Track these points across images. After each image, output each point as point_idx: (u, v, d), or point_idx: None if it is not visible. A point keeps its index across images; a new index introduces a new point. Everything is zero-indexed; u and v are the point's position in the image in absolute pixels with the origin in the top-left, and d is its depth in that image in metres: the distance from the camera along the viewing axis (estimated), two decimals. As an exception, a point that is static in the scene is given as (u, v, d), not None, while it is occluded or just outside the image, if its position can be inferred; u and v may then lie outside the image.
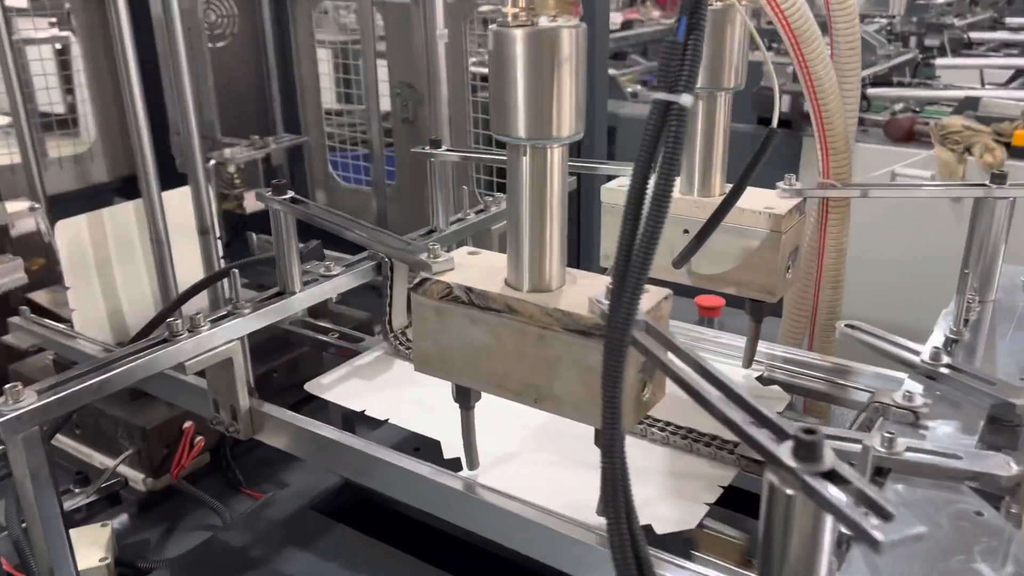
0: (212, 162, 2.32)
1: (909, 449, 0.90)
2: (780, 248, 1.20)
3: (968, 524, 0.83)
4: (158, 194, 1.75)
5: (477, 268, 1.03)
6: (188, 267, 1.84)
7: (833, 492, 0.59)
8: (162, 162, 1.77)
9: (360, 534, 1.35)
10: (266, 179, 2.41)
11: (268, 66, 2.92)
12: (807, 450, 0.62)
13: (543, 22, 0.87)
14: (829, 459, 0.61)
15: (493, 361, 0.99)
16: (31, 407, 1.02)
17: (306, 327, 1.77)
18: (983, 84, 4.17)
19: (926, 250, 3.13)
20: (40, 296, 1.95)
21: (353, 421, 1.54)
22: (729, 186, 1.28)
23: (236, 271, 1.26)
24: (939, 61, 4.40)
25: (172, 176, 1.84)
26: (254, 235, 2.53)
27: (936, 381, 1.08)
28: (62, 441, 1.68)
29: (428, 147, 1.60)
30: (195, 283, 1.53)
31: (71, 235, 1.75)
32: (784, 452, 0.63)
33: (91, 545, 1.39)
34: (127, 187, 2.83)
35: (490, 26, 0.90)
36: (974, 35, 4.86)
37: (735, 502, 1.15)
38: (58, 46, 3.00)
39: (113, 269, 1.84)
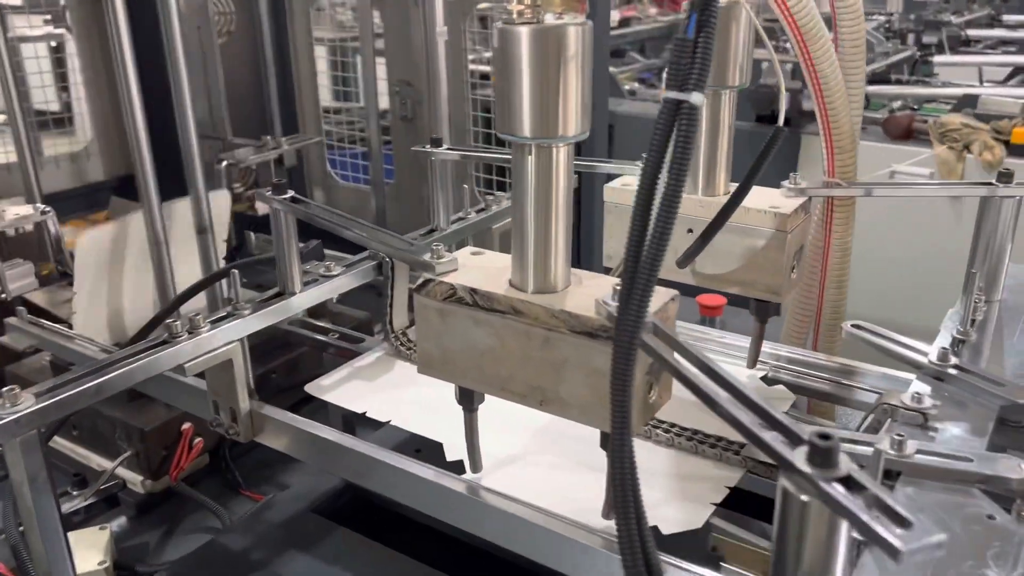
0: (224, 163, 2.28)
1: (919, 452, 0.89)
2: (786, 248, 1.19)
3: (980, 528, 0.82)
4: (156, 194, 1.73)
5: (481, 269, 1.02)
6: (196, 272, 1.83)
7: (850, 499, 0.58)
8: (162, 162, 1.75)
9: (361, 537, 1.34)
10: (296, 184, 2.37)
11: (266, 64, 2.90)
12: (822, 456, 0.60)
13: (549, 19, 0.86)
14: (845, 465, 0.60)
15: (497, 363, 0.98)
16: (29, 410, 1.00)
17: (305, 327, 1.76)
18: (981, 81, 4.16)
19: (926, 249, 3.13)
20: (37, 296, 1.93)
21: (353, 422, 1.54)
22: (733, 185, 1.27)
23: (236, 272, 1.24)
24: (937, 58, 4.40)
25: (172, 176, 1.82)
26: (252, 234, 2.51)
27: (944, 382, 1.07)
28: (59, 443, 1.66)
29: (429, 146, 1.58)
30: (193, 284, 1.52)
31: (92, 245, 1.74)
32: (799, 457, 0.62)
33: (89, 548, 1.37)
34: (124, 186, 2.81)
35: (495, 24, 0.89)
36: (971, 32, 4.87)
37: (740, 505, 1.14)
38: (53, 43, 2.98)
39: (119, 272, 1.82)
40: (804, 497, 0.61)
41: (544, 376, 0.95)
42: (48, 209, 1.53)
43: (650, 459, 1.18)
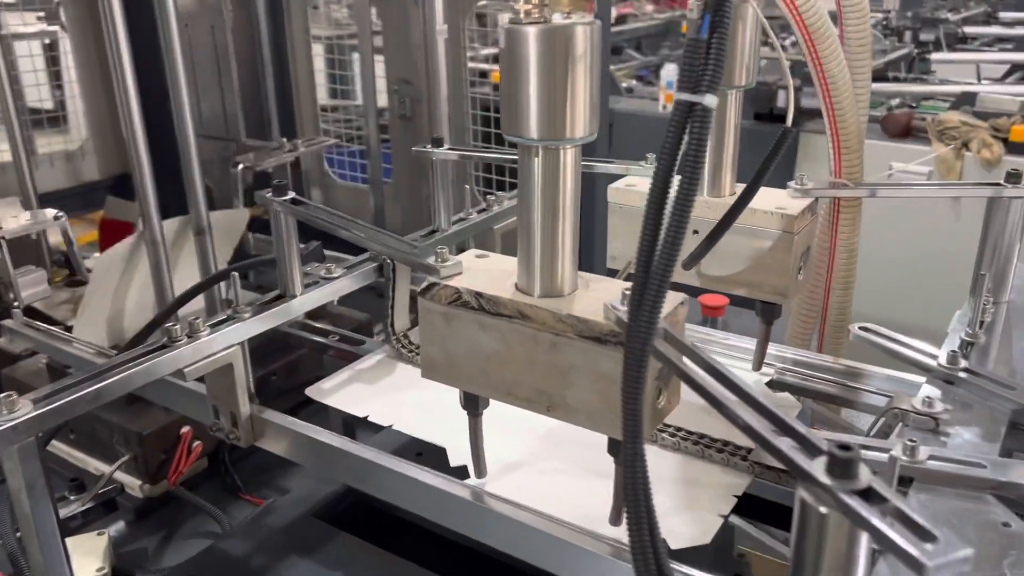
0: (241, 166, 2.24)
1: (932, 458, 0.88)
2: (792, 249, 1.18)
3: (995, 536, 0.81)
4: (153, 194, 1.71)
5: (486, 272, 1.01)
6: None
7: (873, 512, 0.56)
8: (159, 161, 1.73)
9: (363, 542, 1.32)
10: (294, 183, 2.34)
11: (263, 62, 2.88)
12: (842, 467, 0.59)
13: (557, 19, 0.84)
14: (865, 476, 0.59)
15: (503, 368, 0.96)
16: (26, 417, 0.99)
17: (305, 329, 1.74)
18: (979, 79, 4.16)
19: (924, 248, 3.12)
20: (33, 297, 1.91)
21: (354, 425, 1.52)
22: (739, 185, 1.26)
23: (236, 274, 1.22)
24: (934, 56, 4.40)
25: (171, 175, 1.80)
26: (251, 235, 2.49)
27: (954, 385, 1.06)
28: (56, 447, 1.64)
29: (430, 146, 1.57)
30: (192, 286, 1.50)
31: (114, 257, 1.73)
32: (818, 468, 0.60)
33: (88, 555, 1.36)
34: (120, 186, 2.79)
35: (501, 24, 0.87)
36: (968, 30, 4.87)
37: (752, 509, 1.13)
38: (46, 41, 2.96)
39: (128, 280, 1.81)
40: (823, 509, 0.60)
41: (551, 381, 0.93)
42: (61, 214, 1.50)
43: (656, 464, 1.16)
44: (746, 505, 1.11)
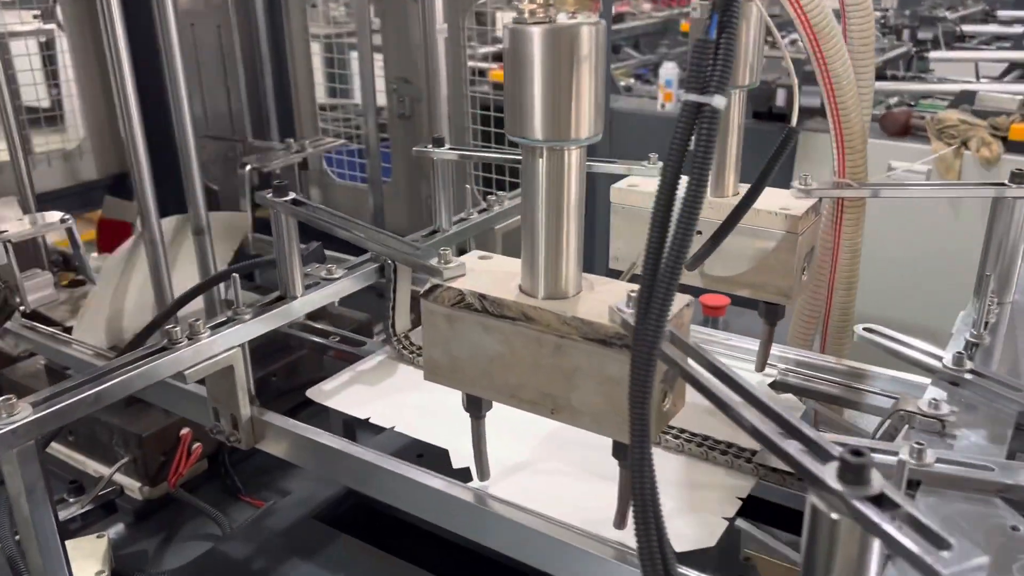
0: (248, 167, 2.22)
1: (939, 460, 0.88)
2: (797, 249, 1.17)
3: (1005, 540, 0.80)
4: (152, 193, 1.70)
5: (489, 274, 1.00)
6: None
7: (886, 519, 0.56)
8: (158, 160, 1.72)
9: (364, 544, 1.32)
10: (300, 184, 2.32)
11: (261, 61, 2.87)
12: (855, 473, 0.58)
13: (562, 19, 0.83)
14: (878, 482, 0.58)
15: (507, 370, 0.96)
16: (26, 420, 0.98)
17: (305, 330, 1.73)
18: (978, 77, 4.16)
19: (923, 246, 3.12)
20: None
21: (354, 427, 1.51)
22: (742, 185, 1.25)
23: (236, 276, 1.21)
24: (933, 54, 4.39)
25: (170, 174, 1.79)
26: (250, 234, 2.48)
27: (959, 387, 1.05)
28: (55, 449, 1.63)
29: (431, 145, 1.56)
30: (192, 287, 1.49)
31: (120, 259, 1.71)
32: (829, 474, 0.60)
33: (87, 558, 1.35)
34: (118, 185, 2.77)
35: (505, 23, 0.86)
36: (966, 28, 4.86)
37: (753, 511, 1.12)
38: (42, 39, 2.94)
39: (128, 280, 1.80)
40: (835, 515, 0.59)
41: (555, 384, 0.93)
42: (68, 217, 1.49)
43: (660, 466, 1.15)
44: (751, 507, 1.11)
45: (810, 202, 1.20)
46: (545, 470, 1.18)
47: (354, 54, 2.97)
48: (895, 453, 0.88)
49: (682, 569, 0.89)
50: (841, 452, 0.60)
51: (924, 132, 3.28)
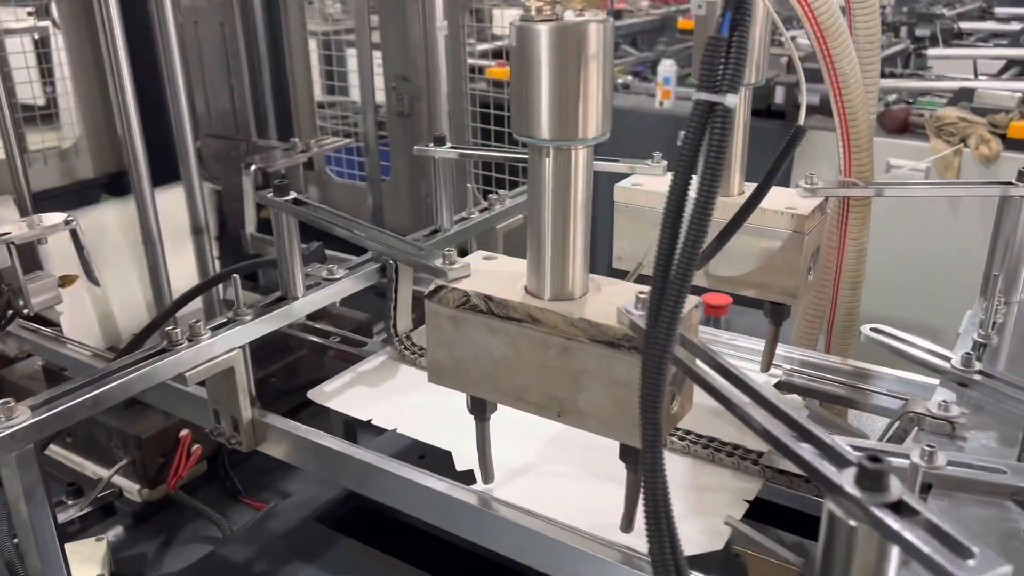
0: (253, 167, 2.20)
1: (951, 463, 0.87)
2: (803, 249, 1.17)
3: (1019, 544, 0.79)
4: (150, 192, 1.69)
5: (495, 275, 0.99)
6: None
7: (907, 526, 0.55)
8: (155, 158, 1.71)
9: (366, 547, 1.30)
10: (305, 183, 2.29)
11: (259, 58, 2.85)
12: (873, 479, 0.58)
13: (569, 16, 0.82)
14: (896, 489, 0.57)
15: (513, 373, 0.94)
16: (25, 424, 0.97)
17: (305, 330, 1.72)
18: (976, 75, 4.15)
19: (923, 245, 3.11)
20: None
21: (355, 428, 1.50)
22: (747, 184, 1.24)
23: (237, 276, 1.20)
24: (931, 51, 4.38)
25: (168, 175, 1.77)
26: (249, 233, 2.46)
27: (968, 388, 1.05)
28: (53, 450, 1.62)
29: (432, 144, 1.54)
30: (191, 288, 1.48)
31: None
32: (847, 480, 0.59)
33: (86, 561, 1.34)
34: (115, 184, 2.75)
35: (511, 20, 0.85)
36: (963, 25, 4.85)
37: (761, 513, 1.11)
38: (36, 36, 2.91)
39: (105, 271, 1.78)
40: (852, 522, 0.58)
41: (562, 386, 0.92)
42: (72, 218, 1.47)
43: (666, 469, 1.15)
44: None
45: (816, 201, 1.20)
46: (549, 472, 1.17)
47: (350, 51, 2.95)
48: (906, 456, 0.87)
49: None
50: (859, 458, 0.59)
51: (923, 130, 3.27)
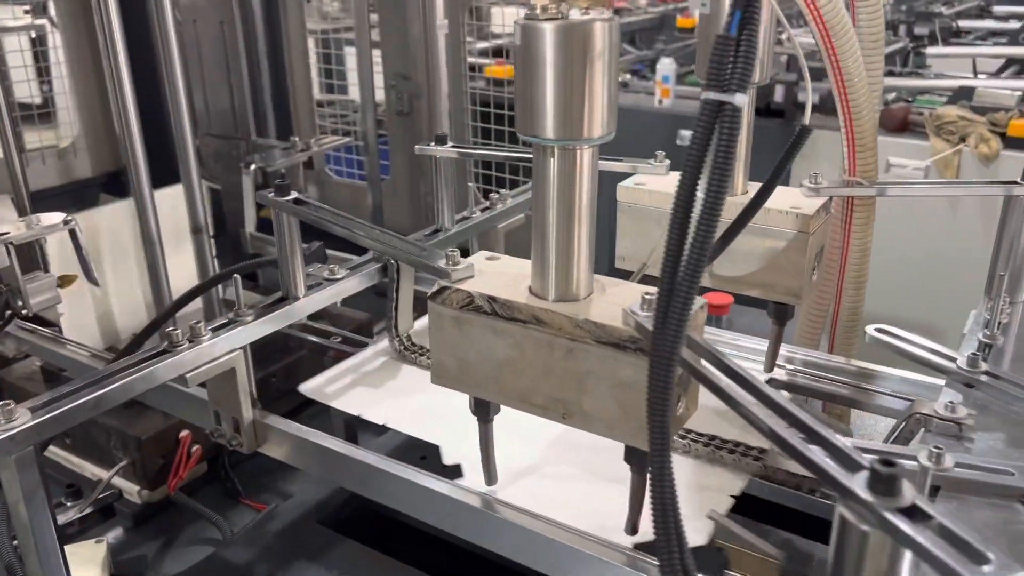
0: (253, 167, 2.19)
1: (959, 465, 0.86)
2: (807, 249, 1.16)
3: (1028, 547, 0.79)
4: (149, 192, 1.68)
5: (499, 275, 0.98)
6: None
7: (921, 532, 0.54)
8: (154, 157, 1.70)
9: (368, 548, 1.30)
10: (304, 182, 2.28)
11: (258, 57, 2.83)
12: (885, 484, 0.57)
13: (574, 15, 0.81)
14: (909, 493, 0.57)
15: (517, 374, 0.94)
16: (25, 426, 0.96)
17: (305, 330, 1.71)
18: (975, 73, 4.15)
19: (922, 244, 3.11)
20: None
21: (355, 428, 1.49)
22: (751, 183, 1.23)
23: (238, 276, 1.19)
24: (930, 50, 4.38)
25: (167, 174, 1.76)
26: (248, 232, 2.45)
27: (974, 389, 1.04)
28: (52, 452, 1.60)
29: (434, 143, 1.53)
30: (192, 288, 1.47)
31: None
32: (859, 485, 0.58)
33: (87, 563, 1.33)
34: (113, 183, 2.74)
35: (516, 19, 0.84)
36: (962, 23, 4.85)
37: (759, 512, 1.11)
38: (33, 34, 2.90)
39: (104, 271, 1.77)
40: (865, 527, 0.57)
41: (567, 388, 0.91)
42: (71, 218, 1.46)
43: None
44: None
45: (820, 201, 1.19)
46: (553, 474, 1.16)
47: (350, 50, 2.94)
48: (914, 458, 0.86)
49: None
50: (871, 462, 0.58)
51: (922, 128, 3.27)
